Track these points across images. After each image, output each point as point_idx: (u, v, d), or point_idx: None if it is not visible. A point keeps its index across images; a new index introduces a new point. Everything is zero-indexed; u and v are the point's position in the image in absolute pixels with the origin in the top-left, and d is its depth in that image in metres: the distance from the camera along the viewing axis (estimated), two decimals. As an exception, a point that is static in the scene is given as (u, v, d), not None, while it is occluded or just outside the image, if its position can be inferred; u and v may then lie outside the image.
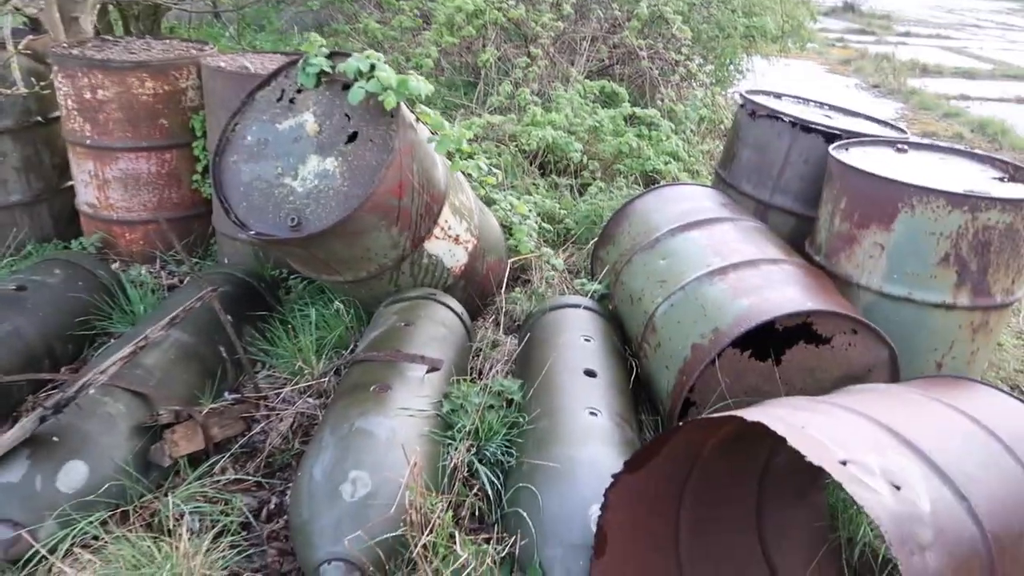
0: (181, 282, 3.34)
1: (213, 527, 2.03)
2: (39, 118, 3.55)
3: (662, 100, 5.30)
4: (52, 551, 1.87)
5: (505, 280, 3.21)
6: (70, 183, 3.74)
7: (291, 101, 2.66)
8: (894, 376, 2.33)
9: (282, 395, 2.59)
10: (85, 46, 3.51)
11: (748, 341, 2.25)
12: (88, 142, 3.34)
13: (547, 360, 2.45)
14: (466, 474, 2.13)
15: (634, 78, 5.89)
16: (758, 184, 3.24)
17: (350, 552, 1.76)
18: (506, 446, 2.20)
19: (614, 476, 1.69)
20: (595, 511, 1.84)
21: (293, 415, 2.51)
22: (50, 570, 1.86)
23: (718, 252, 2.56)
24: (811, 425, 1.45)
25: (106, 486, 1.98)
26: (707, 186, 3.30)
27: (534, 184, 4.47)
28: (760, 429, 1.41)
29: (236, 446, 2.37)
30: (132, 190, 3.42)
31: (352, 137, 2.54)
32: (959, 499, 1.42)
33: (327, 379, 2.61)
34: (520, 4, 5.24)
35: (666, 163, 4.86)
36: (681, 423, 1.60)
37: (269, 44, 6.50)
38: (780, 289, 2.31)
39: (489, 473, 2.12)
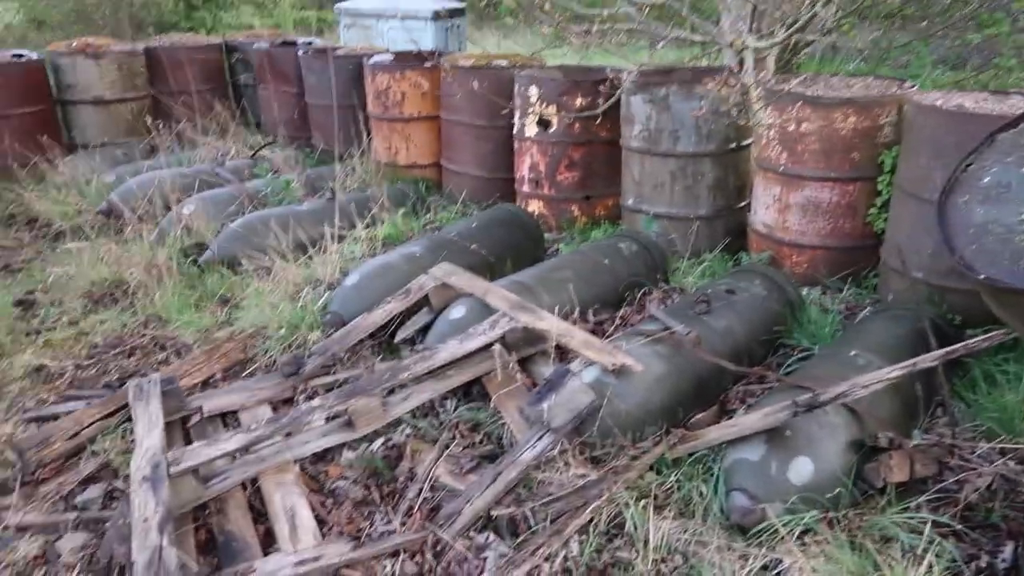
0: (848, 309, 3.44)
1: (915, 558, 2.02)
2: (734, 145, 4.02)
3: None
4: (775, 531, 2.09)
5: None
6: (742, 204, 4.18)
7: (1046, 143, 2.47)
8: None
9: (978, 451, 2.45)
10: (790, 82, 3.85)
11: None
12: (780, 169, 3.66)
13: None
14: None
15: None
16: None
17: None
18: None
19: None
20: None
21: (993, 473, 2.35)
22: (773, 548, 2.08)
23: None
24: None
25: (835, 489, 2.12)
26: None
27: None
28: None
29: (931, 489, 2.32)
30: (810, 216, 3.64)
31: None
32: None
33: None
34: None
35: None
36: None
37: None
38: None
39: None
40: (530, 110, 4.51)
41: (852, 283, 3.71)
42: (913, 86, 3.60)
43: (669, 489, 2.30)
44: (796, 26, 4.00)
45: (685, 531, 2.15)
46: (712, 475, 2.27)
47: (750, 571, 2.01)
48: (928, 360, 2.22)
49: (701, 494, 2.24)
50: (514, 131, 4.73)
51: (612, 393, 2.43)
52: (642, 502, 2.22)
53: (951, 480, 2.37)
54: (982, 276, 2.45)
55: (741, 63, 4.42)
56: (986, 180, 2.58)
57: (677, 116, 3.93)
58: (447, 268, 3.27)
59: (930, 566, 1.89)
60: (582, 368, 2.56)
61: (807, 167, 3.57)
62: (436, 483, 2.39)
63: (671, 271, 3.80)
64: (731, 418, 2.50)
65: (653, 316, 2.82)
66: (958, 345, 2.28)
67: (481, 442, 2.61)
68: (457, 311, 3.07)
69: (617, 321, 3.29)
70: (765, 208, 3.81)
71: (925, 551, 2.02)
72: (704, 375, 2.66)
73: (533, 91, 4.48)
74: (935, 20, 6.34)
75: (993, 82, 5.77)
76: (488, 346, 2.77)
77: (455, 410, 2.74)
